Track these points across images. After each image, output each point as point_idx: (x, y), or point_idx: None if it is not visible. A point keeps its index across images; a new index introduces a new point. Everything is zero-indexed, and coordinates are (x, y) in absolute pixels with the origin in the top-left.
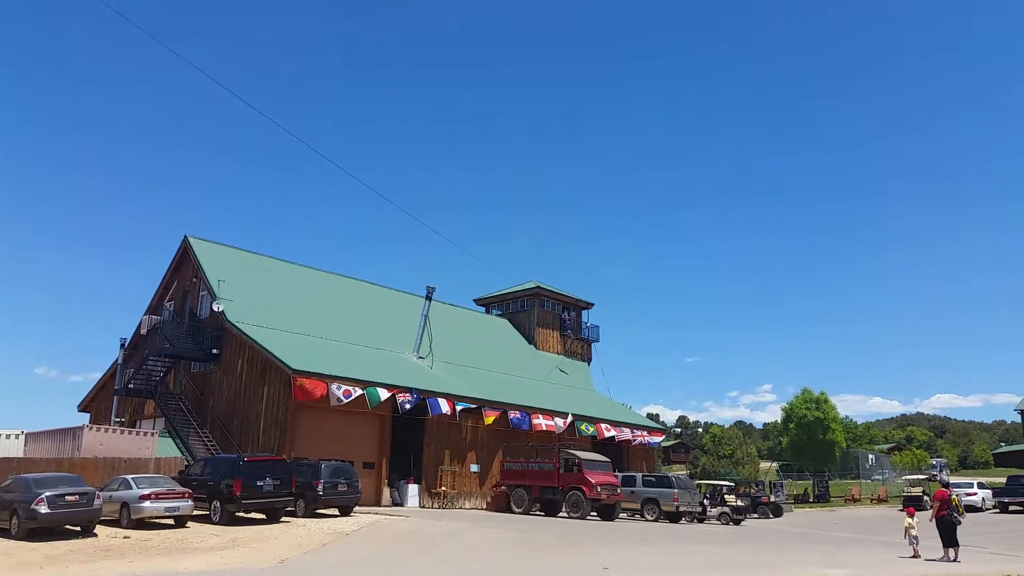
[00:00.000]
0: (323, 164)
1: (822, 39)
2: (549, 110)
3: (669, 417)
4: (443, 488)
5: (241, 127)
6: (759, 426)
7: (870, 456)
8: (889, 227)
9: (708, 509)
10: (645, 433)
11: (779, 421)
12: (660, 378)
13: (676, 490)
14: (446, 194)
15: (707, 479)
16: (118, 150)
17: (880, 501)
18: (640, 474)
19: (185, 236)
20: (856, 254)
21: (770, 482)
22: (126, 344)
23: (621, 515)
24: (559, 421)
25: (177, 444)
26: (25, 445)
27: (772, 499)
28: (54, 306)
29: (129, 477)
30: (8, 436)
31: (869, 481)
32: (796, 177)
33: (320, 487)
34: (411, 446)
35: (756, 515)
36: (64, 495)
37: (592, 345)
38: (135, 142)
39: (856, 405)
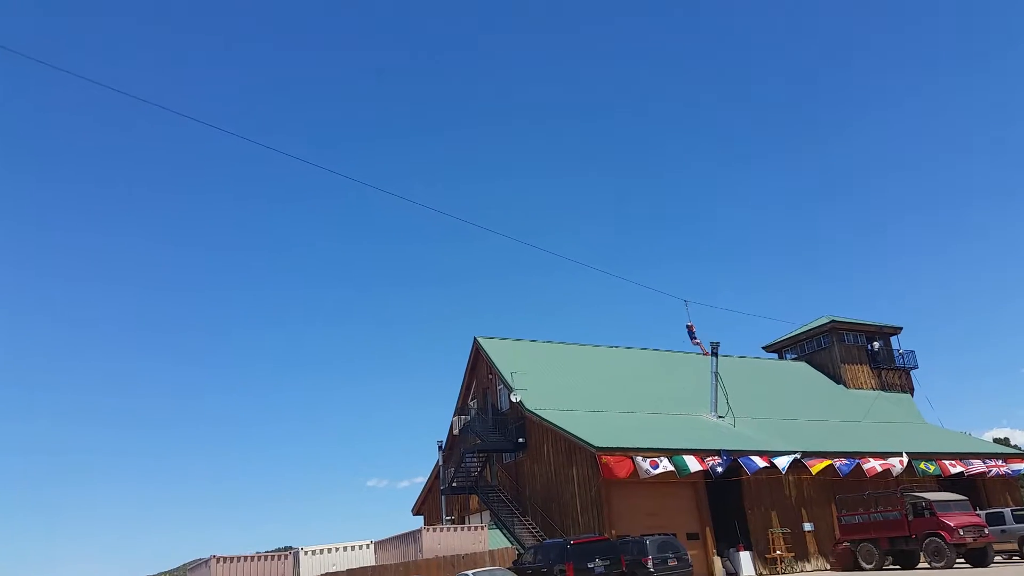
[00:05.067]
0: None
1: None
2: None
3: (1021, 439)
4: (778, 552)
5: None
6: None
7: None
8: None
9: None
10: (1000, 462)
11: None
12: (999, 397)
13: None
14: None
15: None
16: (409, 268)
17: None
18: (1008, 509)
19: (475, 338)
20: None
21: None
22: (443, 446)
23: (996, 558)
24: (894, 462)
25: (505, 534)
26: (375, 553)
27: None
28: (374, 423)
29: (470, 573)
30: (360, 547)
31: None
32: None
33: (650, 563)
34: (732, 511)
35: None
36: None
37: (911, 373)
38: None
39: None
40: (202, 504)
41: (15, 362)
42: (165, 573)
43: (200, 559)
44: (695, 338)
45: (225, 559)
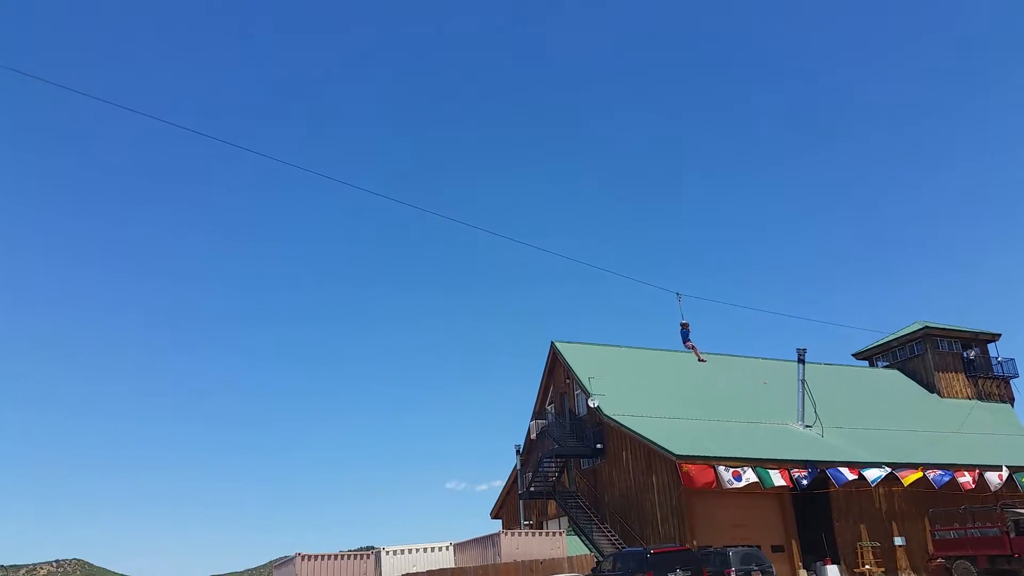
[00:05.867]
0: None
1: None
2: None
3: None
4: (867, 567)
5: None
6: None
7: None
8: None
9: None
10: None
11: None
12: None
13: None
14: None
15: None
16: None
17: None
18: None
19: (552, 343)
20: None
21: None
22: (520, 450)
23: None
24: (992, 476)
25: (583, 541)
26: (454, 555)
27: None
28: (454, 426)
29: None
30: (440, 548)
31: None
32: None
33: (733, 575)
34: (818, 523)
35: None
36: None
37: (1011, 382)
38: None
39: None
40: (288, 503)
41: (114, 361)
42: (252, 570)
43: (285, 557)
44: (688, 340)
45: (309, 557)
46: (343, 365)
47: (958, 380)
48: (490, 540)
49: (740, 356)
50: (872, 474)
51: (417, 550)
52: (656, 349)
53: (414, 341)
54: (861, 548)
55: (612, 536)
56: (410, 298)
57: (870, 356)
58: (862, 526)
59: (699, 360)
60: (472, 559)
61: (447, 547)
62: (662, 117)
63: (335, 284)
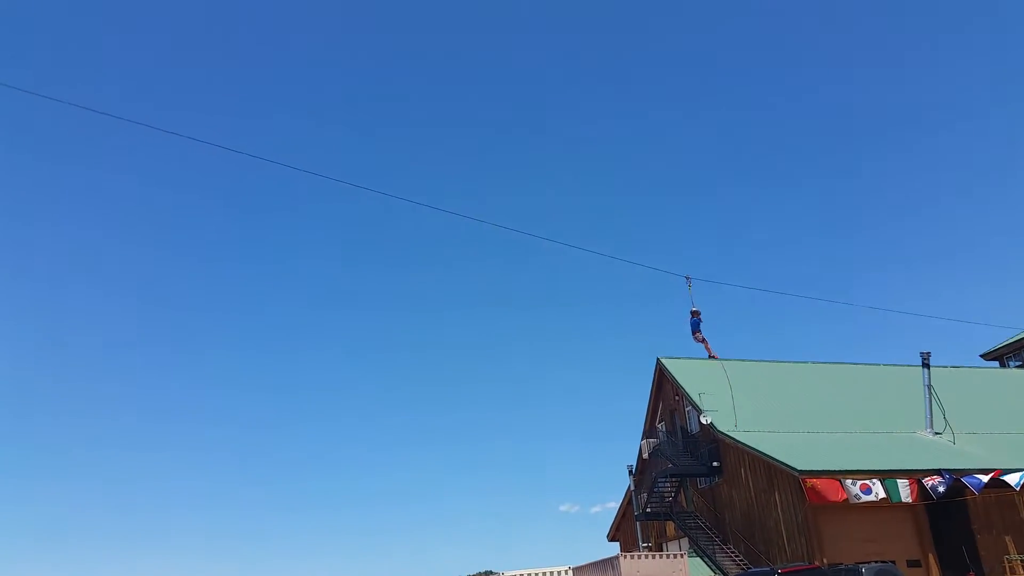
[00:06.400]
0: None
1: None
2: None
3: None
4: None
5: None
6: None
7: None
8: None
9: None
10: None
11: None
12: None
13: None
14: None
15: None
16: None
17: None
18: None
19: (658, 359)
20: None
21: None
22: (633, 470)
23: None
24: None
25: (706, 562)
26: None
27: None
28: (564, 447)
29: None
30: (558, 572)
31: None
32: None
33: None
34: (957, 535)
35: None
36: None
37: None
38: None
39: None
40: (401, 529)
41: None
42: None
43: None
44: (698, 331)
45: None
46: (453, 387)
47: None
48: (609, 563)
49: (855, 363)
50: (1014, 479)
51: (536, 574)
52: (766, 361)
53: (515, 363)
54: (1010, 562)
55: (736, 556)
56: (510, 318)
57: (1000, 356)
58: (1007, 538)
59: (710, 357)
60: None
61: (565, 571)
62: (761, 113)
63: (452, 308)
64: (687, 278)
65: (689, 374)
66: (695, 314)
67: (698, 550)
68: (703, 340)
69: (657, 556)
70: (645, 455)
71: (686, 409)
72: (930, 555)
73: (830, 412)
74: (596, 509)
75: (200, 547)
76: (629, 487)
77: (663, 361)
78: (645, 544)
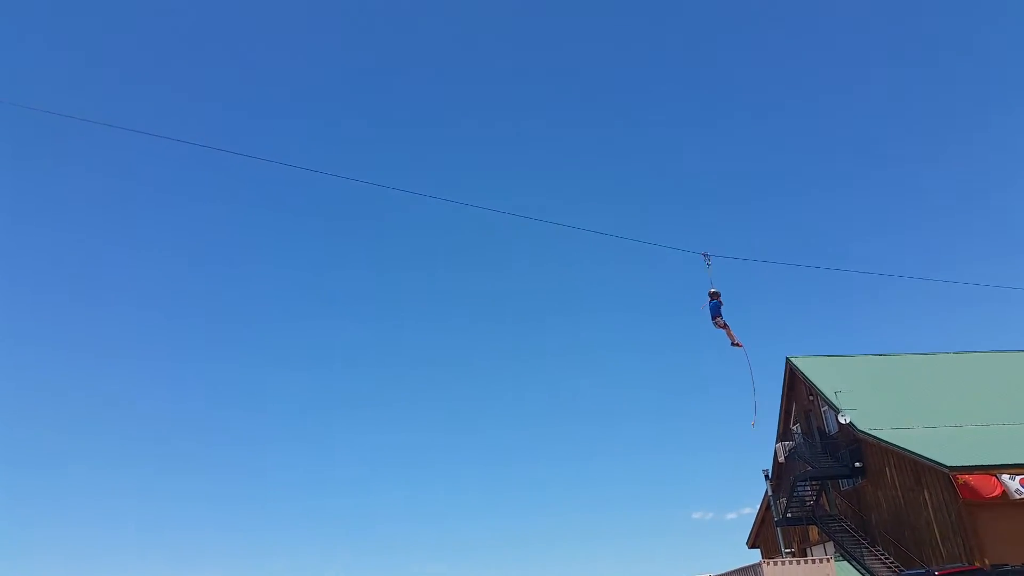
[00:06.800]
0: None
1: None
2: None
3: None
4: None
5: None
6: None
7: None
8: None
9: None
10: None
11: None
12: None
13: None
14: None
15: None
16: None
17: None
18: None
19: (787, 359)
20: None
21: None
22: (770, 475)
23: None
24: None
25: (854, 566)
26: None
27: None
28: (693, 455)
29: None
30: None
31: None
32: None
33: None
34: None
35: None
36: None
37: None
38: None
39: None
40: (535, 539)
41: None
42: None
43: None
44: (719, 315)
45: None
46: (578, 401)
47: None
48: (752, 570)
49: (998, 352)
50: None
51: None
52: (900, 354)
53: (633, 371)
54: None
55: (886, 559)
56: (642, 323)
57: None
58: None
59: (733, 344)
60: None
61: None
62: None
63: (597, 311)
64: (705, 255)
65: (822, 372)
66: (714, 296)
67: (845, 554)
68: (724, 326)
69: (802, 562)
70: (781, 459)
71: (822, 409)
72: None
73: (973, 404)
74: (731, 516)
75: None
76: (766, 492)
77: (793, 360)
78: (788, 550)
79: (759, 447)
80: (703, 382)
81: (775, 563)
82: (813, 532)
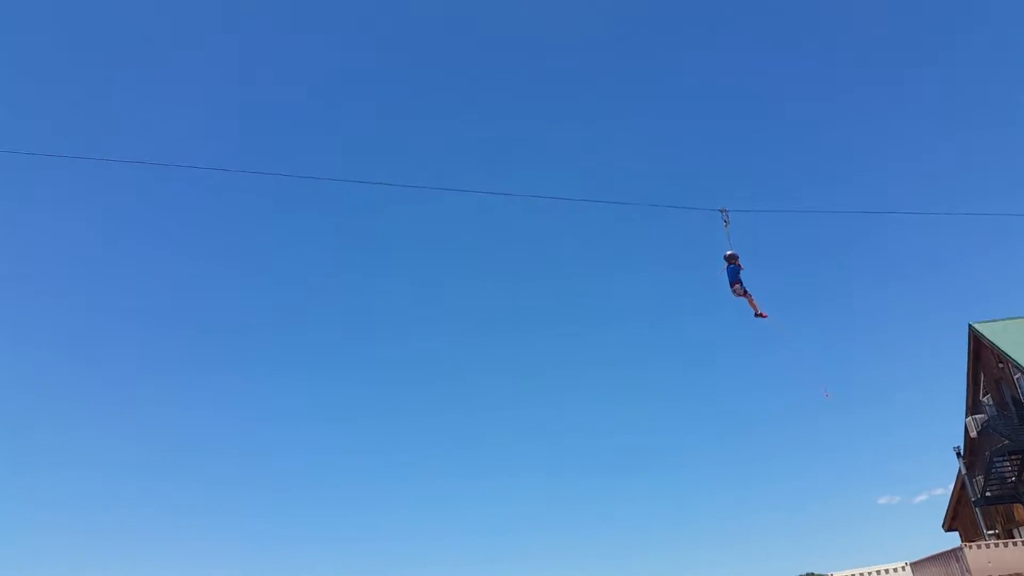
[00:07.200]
0: None
1: None
2: None
3: None
4: None
5: None
6: None
7: None
8: None
9: None
10: None
11: None
12: None
13: None
14: None
15: None
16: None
17: None
18: None
19: (970, 325)
20: None
21: None
22: (961, 452)
23: None
24: None
25: None
26: (912, 575)
27: None
28: (873, 437)
29: None
30: (895, 570)
31: None
32: None
33: None
34: None
35: None
36: None
37: None
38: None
39: None
40: (723, 534)
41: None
42: None
43: None
44: (738, 282)
45: None
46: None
47: None
48: (952, 555)
49: None
50: None
51: (871, 573)
52: None
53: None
54: None
55: None
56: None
57: None
58: None
59: (756, 315)
60: None
61: (903, 567)
62: None
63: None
64: (723, 211)
65: (1012, 337)
66: (731, 259)
67: None
68: (744, 293)
69: (1010, 544)
70: (973, 433)
71: (1015, 377)
72: None
73: None
74: (921, 498)
75: None
76: (960, 471)
77: (976, 327)
78: (991, 532)
79: (946, 423)
80: (869, 361)
81: (978, 546)
82: (1019, 511)
